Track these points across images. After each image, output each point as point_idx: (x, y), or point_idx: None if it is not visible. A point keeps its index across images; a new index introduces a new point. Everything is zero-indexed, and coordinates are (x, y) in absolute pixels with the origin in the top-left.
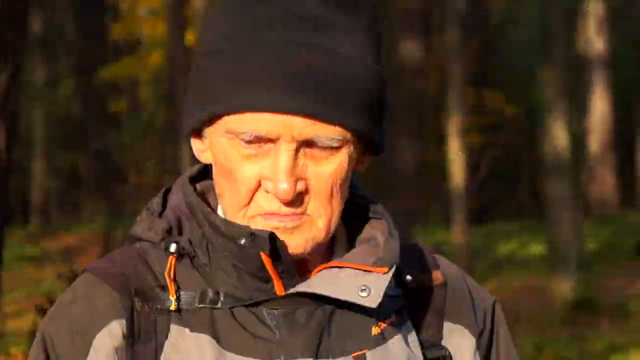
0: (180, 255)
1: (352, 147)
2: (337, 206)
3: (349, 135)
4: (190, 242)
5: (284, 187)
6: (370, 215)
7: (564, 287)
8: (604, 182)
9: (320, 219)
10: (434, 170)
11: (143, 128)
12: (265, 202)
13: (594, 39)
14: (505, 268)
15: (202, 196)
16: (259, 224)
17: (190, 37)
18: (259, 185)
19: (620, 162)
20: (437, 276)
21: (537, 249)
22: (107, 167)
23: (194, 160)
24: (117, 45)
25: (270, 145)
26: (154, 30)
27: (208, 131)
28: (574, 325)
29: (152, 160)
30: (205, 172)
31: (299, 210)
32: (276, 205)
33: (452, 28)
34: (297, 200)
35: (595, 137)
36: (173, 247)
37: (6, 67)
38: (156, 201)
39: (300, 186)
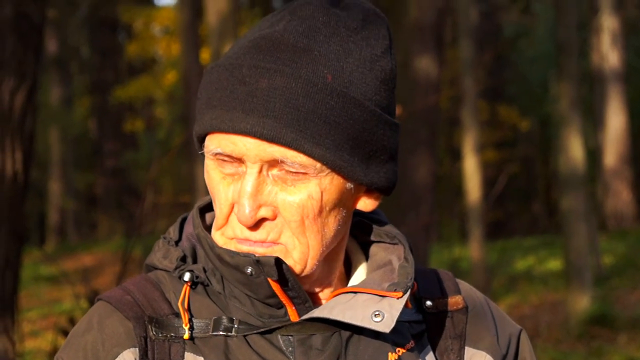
0: (194, 283)
1: (327, 179)
2: (314, 240)
3: (317, 164)
4: (205, 270)
5: (244, 211)
6: (387, 240)
7: (581, 302)
8: (620, 196)
9: (294, 250)
10: (448, 185)
11: (159, 147)
12: (237, 226)
13: (609, 53)
14: (522, 283)
15: (211, 227)
16: (233, 248)
17: (205, 56)
18: (232, 208)
19: (636, 176)
20: (457, 301)
21: (553, 263)
22: (124, 187)
23: None
24: (132, 64)
25: (242, 168)
26: (169, 49)
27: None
28: (592, 339)
29: (168, 179)
30: None
31: (269, 237)
32: (247, 232)
33: (465, 42)
34: (264, 226)
35: (611, 151)
36: (187, 276)
37: (22, 88)
38: (172, 230)
39: (264, 212)
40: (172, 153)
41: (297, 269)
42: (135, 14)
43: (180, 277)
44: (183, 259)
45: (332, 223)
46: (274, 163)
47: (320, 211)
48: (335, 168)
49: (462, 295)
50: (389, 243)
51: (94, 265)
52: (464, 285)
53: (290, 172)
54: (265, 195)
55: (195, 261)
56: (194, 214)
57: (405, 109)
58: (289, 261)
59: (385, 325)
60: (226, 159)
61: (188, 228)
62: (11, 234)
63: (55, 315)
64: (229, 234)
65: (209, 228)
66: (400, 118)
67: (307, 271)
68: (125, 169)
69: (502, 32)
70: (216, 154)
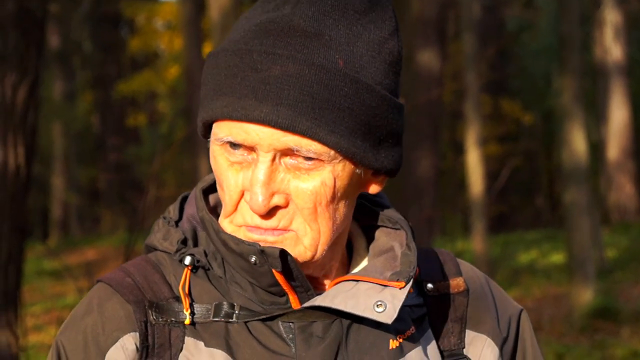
0: (195, 267)
1: (339, 166)
2: (326, 226)
3: (331, 152)
4: (206, 254)
5: (258, 199)
6: (390, 225)
7: (584, 295)
8: (623, 190)
9: (305, 236)
10: (451, 178)
11: (162, 141)
12: (248, 213)
13: (612, 47)
14: (525, 277)
15: (215, 209)
16: (242, 235)
17: (207, 50)
18: (242, 195)
19: (639, 169)
20: (458, 284)
21: (556, 257)
22: (126, 181)
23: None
24: (134, 59)
25: (253, 155)
26: (171, 43)
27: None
28: (595, 333)
29: (171, 173)
30: None
31: (281, 224)
32: (258, 219)
33: (467, 36)
34: (276, 214)
35: (614, 144)
36: (188, 260)
37: (24, 83)
38: (172, 209)
39: (277, 200)
40: (174, 147)
41: (307, 255)
42: (138, 8)
43: (181, 260)
44: (184, 242)
45: (342, 208)
46: (287, 151)
47: (333, 197)
48: (348, 155)
49: (463, 277)
50: (391, 228)
51: (97, 260)
52: (464, 266)
53: (304, 160)
54: (277, 183)
55: (196, 244)
56: (197, 195)
57: (408, 103)
58: (299, 248)
59: (388, 316)
60: (237, 147)
61: (189, 209)
62: (14, 229)
63: (58, 310)
64: (238, 221)
65: (212, 210)
66: None
67: (317, 257)
68: (128, 163)
69: (504, 26)
70: (227, 142)
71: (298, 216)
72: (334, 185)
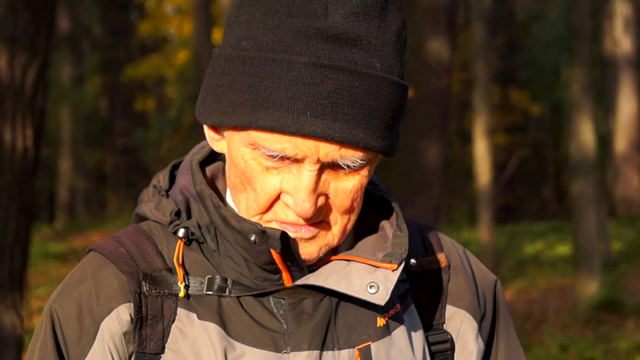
0: (188, 240)
1: (374, 162)
2: (354, 214)
3: (373, 155)
4: (199, 227)
5: (306, 206)
6: (379, 203)
7: (589, 287)
8: (630, 182)
9: (335, 226)
10: (459, 168)
11: (169, 126)
12: (283, 212)
13: (621, 39)
14: (531, 268)
15: (212, 182)
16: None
17: (217, 35)
18: (279, 197)
19: None
20: (440, 259)
21: (562, 249)
22: (134, 165)
23: None
24: (143, 43)
25: (292, 161)
26: (181, 28)
27: (227, 133)
28: (599, 325)
29: (178, 157)
30: (214, 152)
31: (317, 220)
32: (294, 217)
33: (477, 26)
34: (315, 214)
35: (622, 136)
36: (181, 232)
37: (33, 65)
38: (163, 178)
39: (320, 202)
40: (182, 132)
41: (334, 242)
42: None
43: (175, 232)
44: (177, 214)
45: (363, 193)
46: (332, 165)
47: (364, 187)
48: (387, 153)
49: (445, 252)
50: (382, 206)
51: None
52: (445, 240)
53: (348, 167)
54: (320, 186)
55: (189, 216)
56: (193, 169)
57: (417, 92)
58: (328, 237)
59: (380, 297)
60: (276, 156)
61: (182, 180)
62: (21, 210)
63: None
64: (270, 217)
65: (210, 183)
66: (411, 100)
67: (341, 241)
68: (136, 147)
69: (515, 16)
70: (280, 156)
71: (332, 210)
72: (367, 179)
